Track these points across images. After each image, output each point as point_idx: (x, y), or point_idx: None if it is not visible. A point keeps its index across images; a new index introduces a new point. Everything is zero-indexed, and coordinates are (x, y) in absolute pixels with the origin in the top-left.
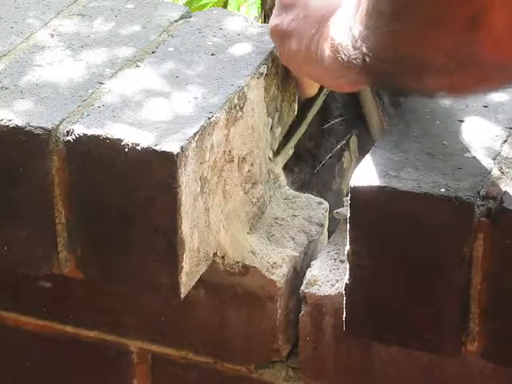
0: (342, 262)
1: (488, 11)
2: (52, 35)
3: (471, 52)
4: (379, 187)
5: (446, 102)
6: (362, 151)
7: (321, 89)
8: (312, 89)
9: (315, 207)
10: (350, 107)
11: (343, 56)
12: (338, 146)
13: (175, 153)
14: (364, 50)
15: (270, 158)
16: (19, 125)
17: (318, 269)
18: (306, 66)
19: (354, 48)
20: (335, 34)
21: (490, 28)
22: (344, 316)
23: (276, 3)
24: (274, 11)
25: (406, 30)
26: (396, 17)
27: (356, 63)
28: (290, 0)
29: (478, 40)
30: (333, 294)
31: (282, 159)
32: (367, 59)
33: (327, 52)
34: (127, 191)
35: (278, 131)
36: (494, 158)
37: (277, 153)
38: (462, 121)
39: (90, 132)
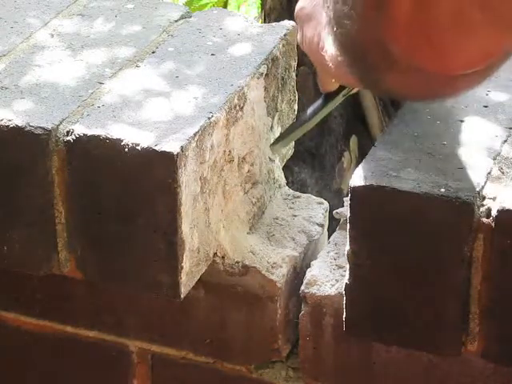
0: (341, 262)
1: None
2: (52, 35)
3: (379, 38)
4: (379, 187)
5: (445, 102)
6: (362, 151)
7: (342, 87)
8: (330, 83)
9: (315, 207)
10: (350, 107)
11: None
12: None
13: (175, 153)
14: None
15: (269, 158)
16: (19, 125)
17: (318, 269)
18: (319, 54)
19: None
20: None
21: (395, 12)
22: (344, 316)
23: None
24: None
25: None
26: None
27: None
28: None
29: (383, 24)
30: (333, 293)
31: (281, 148)
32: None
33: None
34: (127, 191)
35: (278, 131)
36: (494, 158)
37: (278, 140)
38: (462, 121)
39: (90, 132)
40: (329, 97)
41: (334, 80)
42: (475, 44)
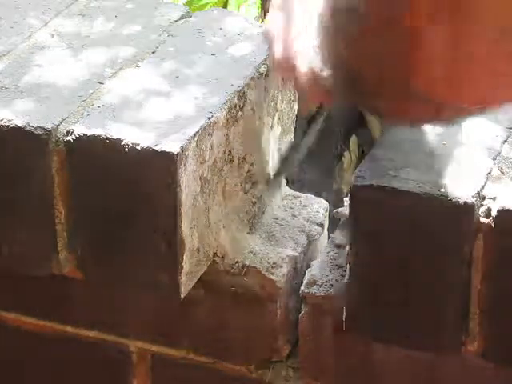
0: (341, 262)
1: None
2: (52, 35)
3: (397, 74)
4: (379, 187)
5: None
6: (362, 151)
7: (322, 106)
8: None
9: (315, 207)
10: (350, 107)
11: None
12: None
13: (175, 153)
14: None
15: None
16: (19, 125)
17: (318, 269)
18: (292, 75)
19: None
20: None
21: (423, 52)
22: (344, 316)
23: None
24: (269, 13)
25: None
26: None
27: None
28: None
29: (407, 63)
30: (333, 293)
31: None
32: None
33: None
34: (127, 191)
35: (278, 131)
36: (494, 158)
37: (276, 175)
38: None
39: (90, 132)
40: (311, 120)
41: (308, 99)
42: (503, 84)
